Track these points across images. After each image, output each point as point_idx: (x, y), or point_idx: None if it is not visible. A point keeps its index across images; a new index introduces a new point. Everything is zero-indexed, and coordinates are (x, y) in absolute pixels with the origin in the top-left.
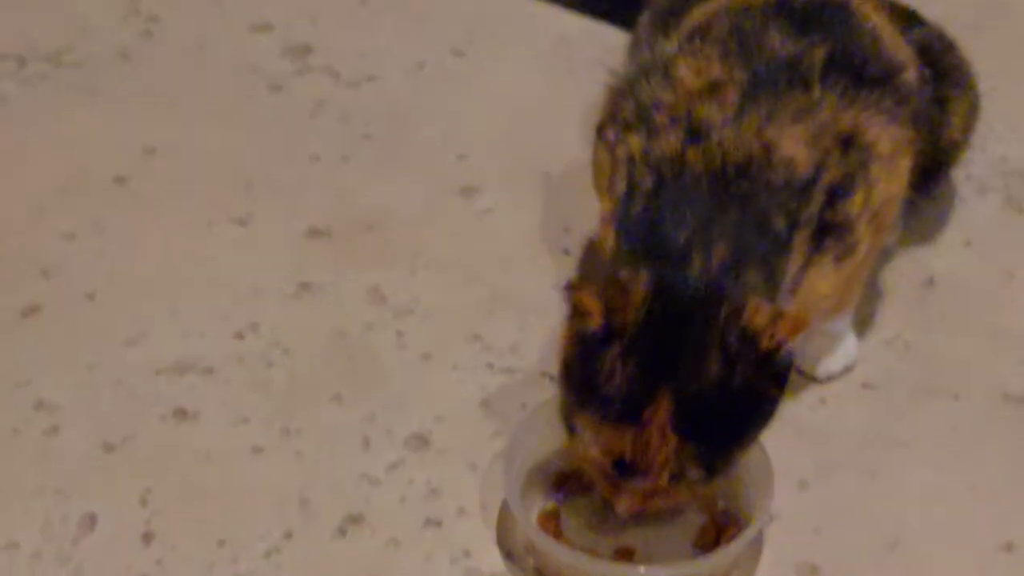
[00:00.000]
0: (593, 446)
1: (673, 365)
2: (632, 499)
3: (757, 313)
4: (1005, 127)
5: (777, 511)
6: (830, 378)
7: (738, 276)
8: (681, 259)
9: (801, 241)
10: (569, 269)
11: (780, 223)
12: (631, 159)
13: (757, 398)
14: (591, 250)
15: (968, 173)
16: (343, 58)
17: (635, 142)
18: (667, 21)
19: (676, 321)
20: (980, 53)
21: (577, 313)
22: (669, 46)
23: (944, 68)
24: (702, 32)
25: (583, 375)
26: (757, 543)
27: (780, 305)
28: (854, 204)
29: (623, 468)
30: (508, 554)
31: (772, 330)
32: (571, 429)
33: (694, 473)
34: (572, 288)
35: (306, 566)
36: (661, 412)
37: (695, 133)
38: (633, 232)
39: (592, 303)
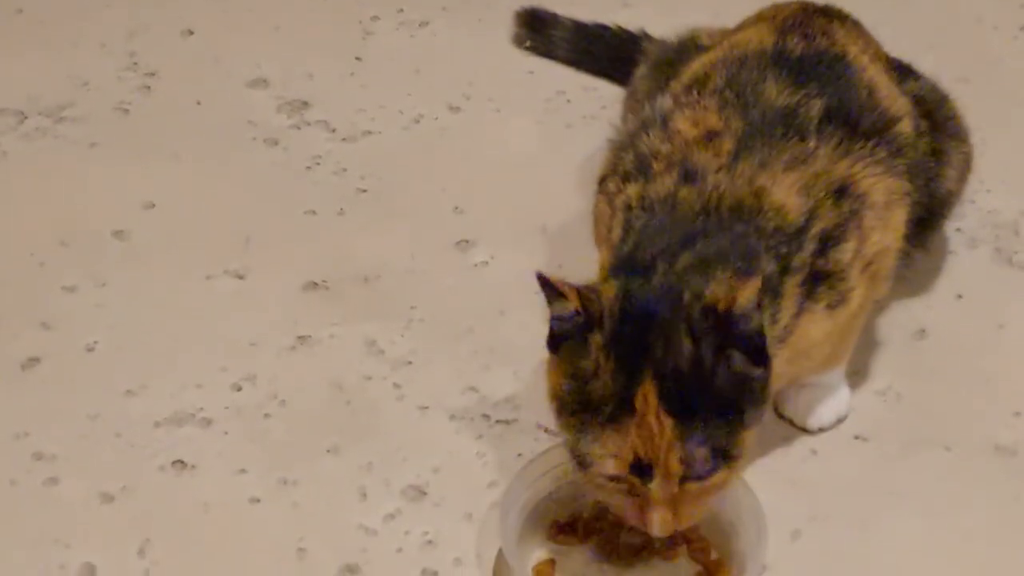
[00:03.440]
0: (606, 462)
1: (648, 350)
2: (663, 513)
3: (717, 287)
4: (995, 179)
5: (770, 561)
6: (822, 429)
7: (704, 273)
8: (646, 270)
9: (792, 287)
10: None
11: (770, 265)
12: (628, 206)
13: (736, 367)
14: None
15: (959, 226)
16: (339, 113)
17: (633, 190)
18: (665, 72)
19: (644, 315)
20: (970, 106)
21: (554, 298)
22: (667, 101)
23: (939, 120)
24: (700, 83)
25: (572, 382)
26: None
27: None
28: (846, 252)
29: (640, 470)
30: None
31: (728, 294)
32: (581, 463)
33: (703, 454)
34: (543, 276)
35: None
36: (650, 396)
37: (689, 176)
38: (615, 263)
39: (566, 287)
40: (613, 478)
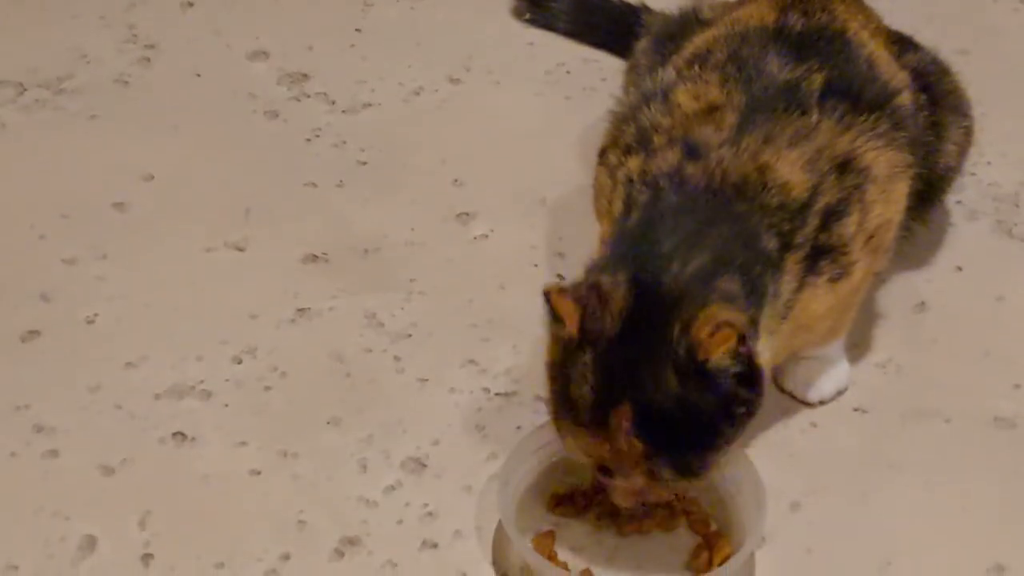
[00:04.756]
0: (575, 450)
1: (635, 375)
2: (626, 494)
3: (703, 324)
4: (995, 152)
5: (769, 532)
6: (822, 402)
7: (709, 283)
8: (661, 265)
9: (794, 263)
10: None
11: (771, 243)
12: (630, 179)
13: (718, 403)
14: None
15: (959, 198)
16: (339, 85)
17: (634, 163)
18: (666, 46)
19: (646, 329)
20: (971, 78)
21: (554, 318)
22: (668, 74)
23: (939, 93)
24: (702, 58)
25: (560, 380)
26: (749, 564)
27: (758, 312)
28: (848, 226)
29: (603, 471)
30: (504, 575)
31: (708, 341)
32: (558, 431)
33: (668, 474)
34: (549, 294)
35: None
36: (624, 420)
37: (693, 152)
38: (624, 239)
39: (568, 309)
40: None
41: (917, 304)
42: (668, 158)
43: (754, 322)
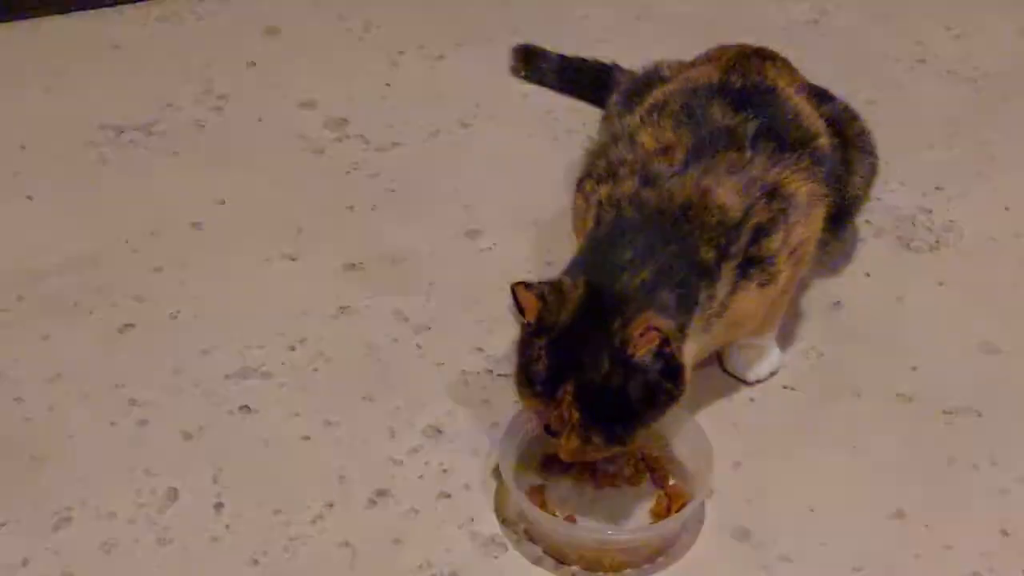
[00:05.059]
0: (529, 413)
1: (580, 358)
2: (567, 452)
3: (637, 326)
4: (896, 182)
5: (716, 486)
6: (759, 381)
7: (651, 293)
8: (615, 273)
9: (729, 270)
10: None
11: (710, 255)
12: (600, 203)
13: (642, 389)
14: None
15: (867, 218)
16: (373, 128)
17: (604, 190)
18: (631, 99)
19: (594, 324)
20: (877, 123)
21: (518, 308)
22: (634, 120)
23: (850, 136)
24: (660, 108)
25: (523, 356)
26: (700, 511)
27: (687, 320)
28: (775, 241)
29: (548, 431)
30: (504, 521)
31: (637, 340)
32: (519, 396)
33: (598, 440)
34: (514, 288)
35: (343, 529)
36: (568, 394)
37: (648, 180)
38: (591, 249)
39: (528, 302)
40: None
41: (834, 303)
42: (629, 185)
43: (682, 329)
